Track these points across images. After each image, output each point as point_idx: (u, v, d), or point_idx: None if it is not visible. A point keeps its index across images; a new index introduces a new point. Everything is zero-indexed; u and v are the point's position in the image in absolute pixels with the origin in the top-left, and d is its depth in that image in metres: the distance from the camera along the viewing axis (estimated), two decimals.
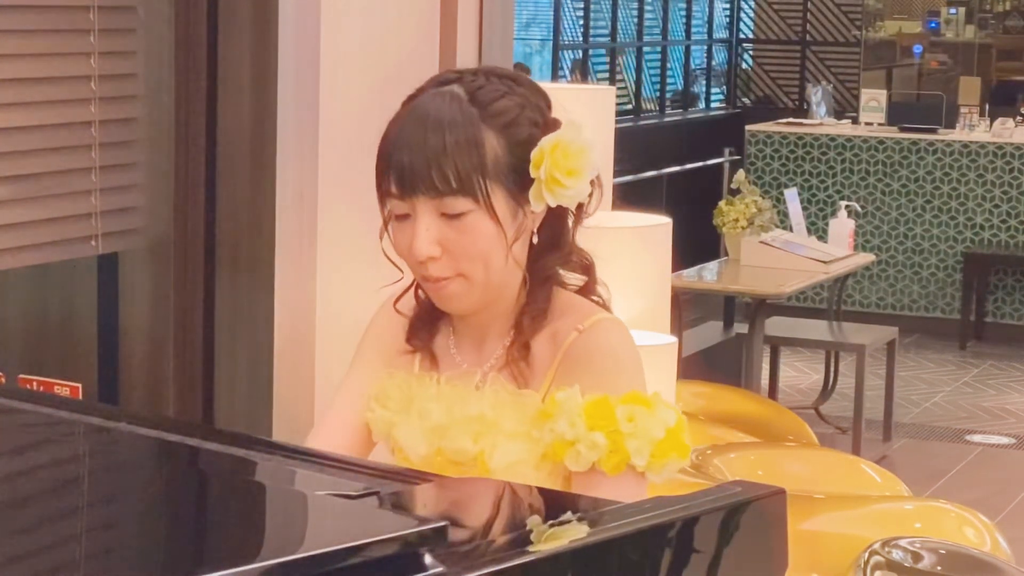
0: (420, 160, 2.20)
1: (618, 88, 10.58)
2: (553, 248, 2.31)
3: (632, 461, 2.18)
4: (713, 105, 12.39)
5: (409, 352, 2.38)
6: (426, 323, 2.37)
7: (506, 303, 2.31)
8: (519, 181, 2.24)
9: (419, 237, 2.22)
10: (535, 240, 2.29)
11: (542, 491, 2.05)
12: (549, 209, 2.27)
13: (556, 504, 2.02)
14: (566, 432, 2.18)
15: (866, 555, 3.36)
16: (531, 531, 1.87)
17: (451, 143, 2.20)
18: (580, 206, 2.30)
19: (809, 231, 8.01)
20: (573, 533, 1.87)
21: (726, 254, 7.16)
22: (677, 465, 2.23)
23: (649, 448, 2.18)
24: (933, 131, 9.60)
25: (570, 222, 2.32)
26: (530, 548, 1.74)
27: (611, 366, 2.26)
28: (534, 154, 2.23)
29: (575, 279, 2.36)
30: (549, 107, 2.32)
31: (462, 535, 1.73)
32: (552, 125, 2.28)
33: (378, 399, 2.36)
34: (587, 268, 2.37)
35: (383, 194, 2.25)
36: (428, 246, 2.22)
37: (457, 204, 2.21)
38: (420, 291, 2.36)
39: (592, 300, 2.36)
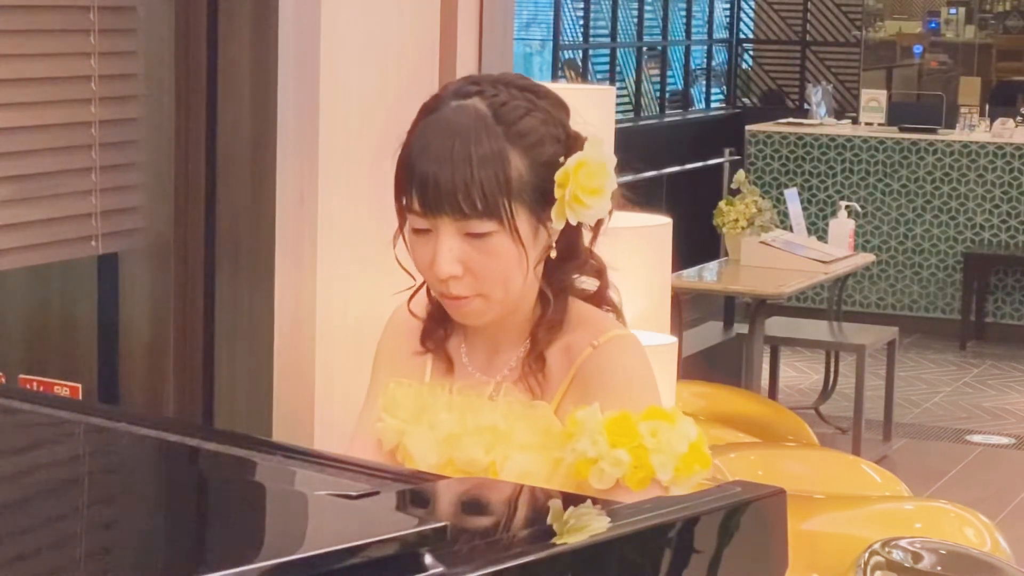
0: (447, 181, 2.18)
1: (618, 88, 10.58)
2: (569, 258, 2.31)
3: (657, 476, 2.15)
4: (713, 105, 12.39)
5: (420, 353, 2.37)
6: (440, 324, 2.35)
7: (521, 315, 2.31)
8: (541, 200, 2.23)
9: (441, 256, 2.21)
10: (553, 254, 2.28)
11: (542, 491, 2.05)
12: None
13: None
14: (588, 450, 2.15)
15: (866, 555, 3.36)
16: (531, 531, 1.87)
17: (478, 165, 2.17)
18: (599, 220, 2.29)
19: (809, 231, 8.01)
20: (573, 533, 1.87)
21: (726, 254, 7.16)
22: (700, 477, 2.21)
23: (674, 462, 2.15)
24: (933, 131, 9.60)
25: (585, 230, 2.31)
26: (530, 548, 1.74)
27: (626, 383, 2.25)
28: (559, 175, 2.22)
29: (588, 283, 2.36)
30: (568, 118, 2.30)
31: (462, 535, 1.73)
32: (573, 140, 2.27)
33: (387, 409, 2.35)
34: (600, 272, 2.36)
35: (403, 207, 2.23)
36: (450, 265, 2.21)
37: (482, 225, 2.19)
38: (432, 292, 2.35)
39: (605, 308, 2.35)
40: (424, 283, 2.34)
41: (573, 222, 2.24)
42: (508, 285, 2.24)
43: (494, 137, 2.20)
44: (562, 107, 2.30)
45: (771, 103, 12.07)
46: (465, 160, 2.18)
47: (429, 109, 2.26)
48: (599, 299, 2.37)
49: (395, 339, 2.41)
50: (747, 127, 10.04)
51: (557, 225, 2.24)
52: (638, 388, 2.26)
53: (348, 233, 3.04)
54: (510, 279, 2.24)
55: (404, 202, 2.23)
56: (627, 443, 2.15)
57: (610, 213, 2.29)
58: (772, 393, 7.38)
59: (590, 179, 2.22)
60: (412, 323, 2.38)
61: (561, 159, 2.23)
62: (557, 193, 2.22)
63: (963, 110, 9.99)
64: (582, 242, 2.32)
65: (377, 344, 2.45)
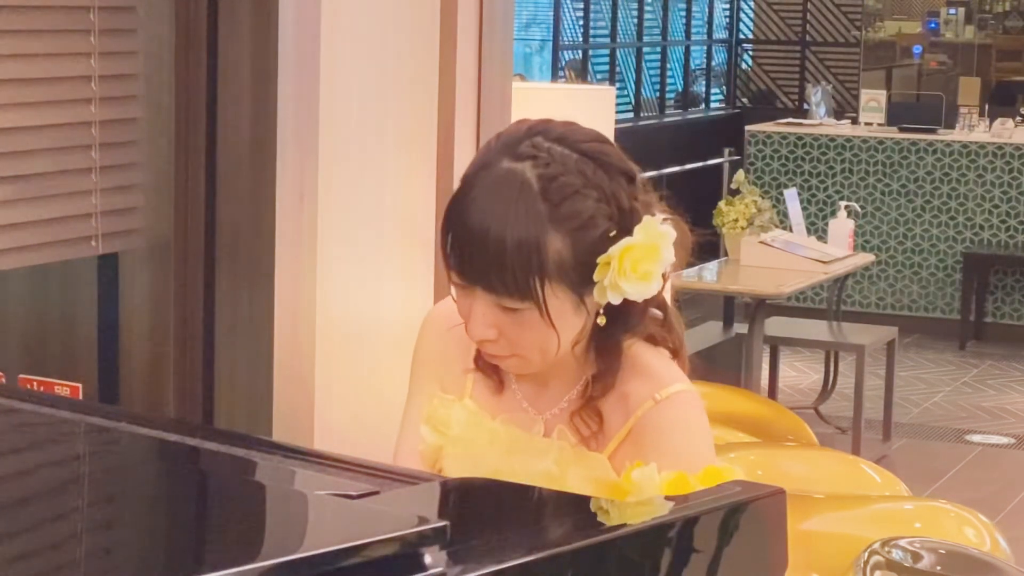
0: (480, 261, 2.12)
1: (618, 88, 10.58)
2: (621, 322, 2.22)
3: None
4: (713, 105, 12.40)
5: (468, 371, 2.32)
6: None
7: (572, 360, 2.25)
8: (584, 278, 2.15)
9: (475, 320, 2.17)
10: (601, 321, 2.19)
11: (543, 491, 2.05)
12: None
13: (557, 504, 2.02)
14: None
15: (866, 555, 3.36)
16: (531, 531, 1.87)
17: (512, 250, 2.10)
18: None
19: (809, 231, 8.01)
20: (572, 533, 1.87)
21: (726, 254, 7.16)
22: None
23: None
24: (933, 131, 9.60)
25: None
26: (530, 548, 1.74)
27: (687, 441, 2.21)
28: (601, 260, 2.14)
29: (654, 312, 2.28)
30: (632, 181, 2.20)
31: (463, 535, 1.73)
32: (630, 216, 2.16)
33: (428, 422, 2.31)
34: (662, 308, 2.29)
35: (446, 260, 2.17)
36: (483, 330, 2.18)
37: (514, 303, 2.14)
38: None
39: (664, 346, 2.28)
40: None
41: (616, 302, 2.16)
42: (545, 350, 2.19)
43: (534, 219, 2.11)
44: (622, 176, 2.19)
45: (768, 103, 12.07)
46: (500, 246, 2.11)
47: (482, 164, 2.18)
48: (660, 340, 2.29)
49: (438, 341, 2.37)
50: (747, 127, 10.04)
51: (599, 301, 2.17)
52: (697, 447, 2.22)
53: (348, 233, 3.04)
54: (546, 347, 2.19)
55: (446, 259, 2.17)
56: None
57: (664, 285, 2.19)
58: (772, 393, 7.39)
59: (636, 265, 2.14)
60: (455, 325, 2.29)
61: (612, 234, 2.14)
62: (596, 278, 2.14)
63: (963, 110, 9.99)
64: (637, 308, 2.21)
65: (415, 346, 2.41)
